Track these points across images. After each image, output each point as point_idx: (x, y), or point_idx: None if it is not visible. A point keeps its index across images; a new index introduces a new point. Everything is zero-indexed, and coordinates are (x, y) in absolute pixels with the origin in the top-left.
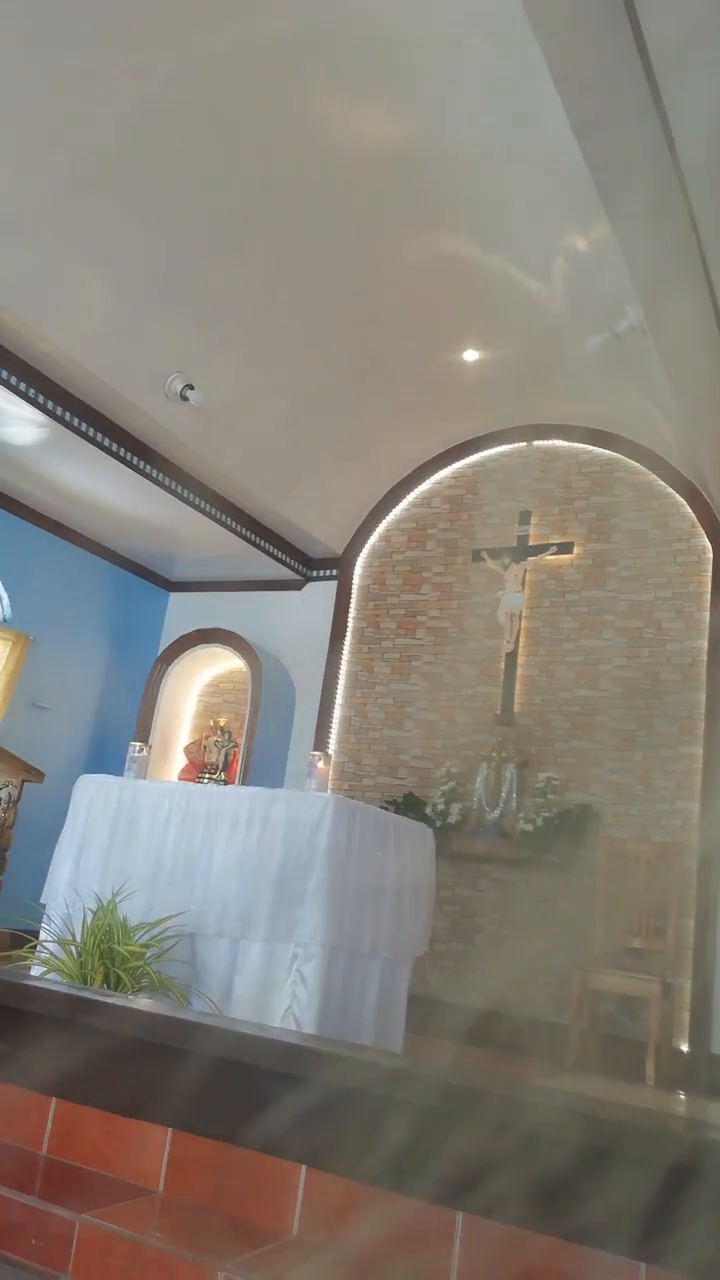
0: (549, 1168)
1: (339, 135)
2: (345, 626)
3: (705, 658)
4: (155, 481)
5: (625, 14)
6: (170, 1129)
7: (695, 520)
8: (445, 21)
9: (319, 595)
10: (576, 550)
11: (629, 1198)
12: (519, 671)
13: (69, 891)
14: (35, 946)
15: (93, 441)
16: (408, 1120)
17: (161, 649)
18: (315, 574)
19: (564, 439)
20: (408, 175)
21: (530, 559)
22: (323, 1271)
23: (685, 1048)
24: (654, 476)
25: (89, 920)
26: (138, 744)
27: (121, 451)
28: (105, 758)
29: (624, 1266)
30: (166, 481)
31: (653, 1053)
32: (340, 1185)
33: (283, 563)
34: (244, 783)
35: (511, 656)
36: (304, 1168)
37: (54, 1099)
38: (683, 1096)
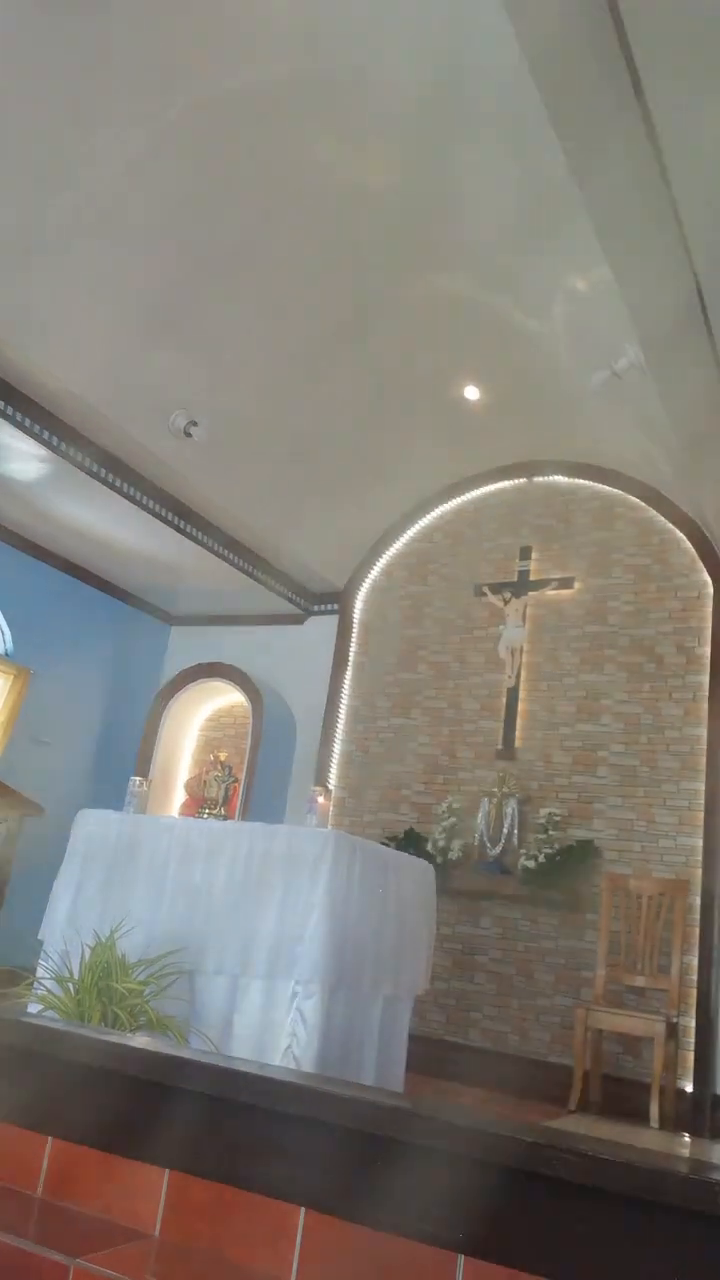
0: (551, 1210)
1: (338, 174)
2: (346, 661)
3: (707, 692)
4: (157, 516)
5: (622, 56)
6: (167, 1170)
7: (696, 555)
8: (441, 63)
9: (320, 630)
10: (577, 585)
11: (631, 1241)
12: (520, 706)
13: (67, 928)
14: (32, 983)
15: (95, 476)
16: (409, 1161)
17: (162, 683)
18: (316, 608)
19: (564, 475)
20: (407, 213)
21: (531, 594)
22: None
23: (690, 1088)
24: (654, 512)
25: (87, 957)
26: (138, 779)
27: (123, 486)
28: (105, 792)
29: None
30: (168, 515)
31: (657, 1094)
32: (340, 1228)
33: (284, 597)
34: (244, 818)
35: (513, 691)
36: (303, 1210)
37: (50, 1138)
38: (687, 1138)
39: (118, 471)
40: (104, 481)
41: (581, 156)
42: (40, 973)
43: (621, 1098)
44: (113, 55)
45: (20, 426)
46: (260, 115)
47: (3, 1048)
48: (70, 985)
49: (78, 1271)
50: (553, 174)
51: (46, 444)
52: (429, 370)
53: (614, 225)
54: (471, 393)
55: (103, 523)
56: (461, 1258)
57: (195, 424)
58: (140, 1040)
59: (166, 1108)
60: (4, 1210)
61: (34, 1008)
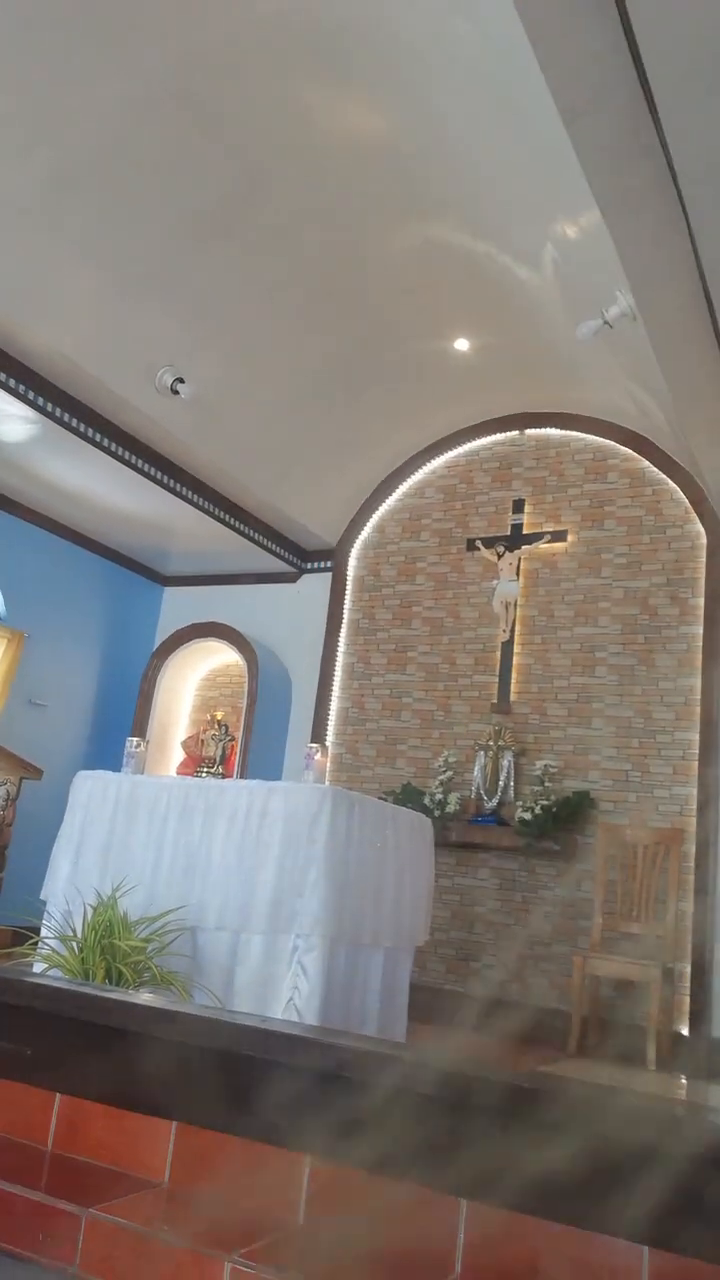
0: (553, 1153)
1: (325, 126)
2: (340, 618)
3: (700, 643)
4: (147, 476)
5: None
6: (175, 1122)
7: (689, 506)
8: (430, 9)
9: (314, 587)
10: (570, 538)
11: (633, 1182)
12: (515, 660)
13: (69, 888)
14: (36, 943)
15: (84, 437)
16: (412, 1109)
17: (157, 644)
18: (309, 566)
19: (556, 427)
20: (395, 164)
21: (525, 547)
22: (330, 1260)
23: (685, 1031)
24: (647, 463)
25: (89, 916)
26: (135, 739)
27: (113, 446)
28: (103, 754)
29: (628, 1250)
30: (159, 475)
31: (653, 1037)
32: (345, 1175)
33: (277, 555)
34: (242, 776)
35: (507, 645)
36: (309, 1158)
37: (58, 1095)
38: (683, 1080)
39: (106, 432)
40: (92, 442)
41: (569, 95)
42: (44, 932)
43: (619, 1041)
44: (90, 6)
45: (6, 387)
46: (245, 66)
47: (9, 1007)
48: (74, 944)
49: (90, 1221)
50: (543, 120)
51: (33, 405)
52: (419, 323)
53: (604, 169)
54: (462, 345)
55: (93, 484)
56: (464, 1202)
57: (182, 381)
58: (144, 996)
59: (172, 1062)
60: (16, 1164)
61: (39, 967)
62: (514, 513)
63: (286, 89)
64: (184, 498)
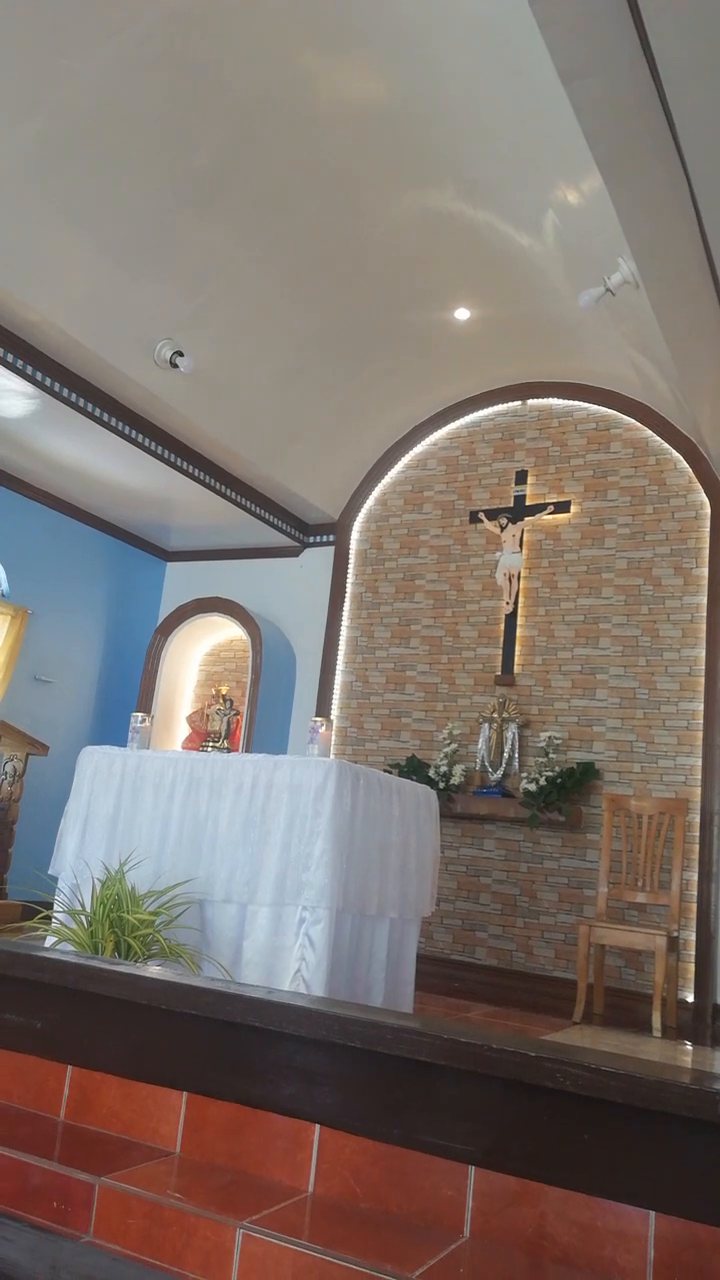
0: (558, 1121)
1: (323, 90)
2: (344, 592)
3: (705, 613)
4: (148, 451)
5: None
6: (185, 1093)
7: (692, 476)
8: None
9: (316, 561)
10: (574, 509)
11: (637, 1148)
12: (519, 632)
13: (77, 862)
14: (47, 918)
15: (83, 412)
16: (420, 1078)
17: (160, 619)
18: (312, 540)
19: (559, 397)
20: (393, 130)
21: (528, 519)
22: (340, 1226)
23: (691, 999)
24: (650, 432)
25: (98, 890)
26: (140, 715)
27: (113, 421)
28: (108, 729)
29: (634, 1214)
30: (159, 450)
31: (659, 1005)
32: (354, 1143)
33: (279, 529)
34: (247, 750)
35: (511, 617)
36: (318, 1126)
37: (70, 1066)
38: (689, 1047)
39: (105, 406)
40: (92, 416)
41: (569, 55)
42: (55, 907)
43: (625, 1009)
44: None
45: (2, 362)
46: (241, 29)
47: (20, 981)
48: (83, 918)
49: (103, 1189)
50: (543, 83)
51: (31, 379)
52: (419, 292)
53: (605, 131)
54: (463, 314)
55: (93, 459)
56: (472, 1169)
57: (181, 354)
58: (153, 969)
59: (181, 1033)
60: (29, 1134)
61: (49, 941)
62: (517, 484)
63: (284, 53)
64: (185, 472)
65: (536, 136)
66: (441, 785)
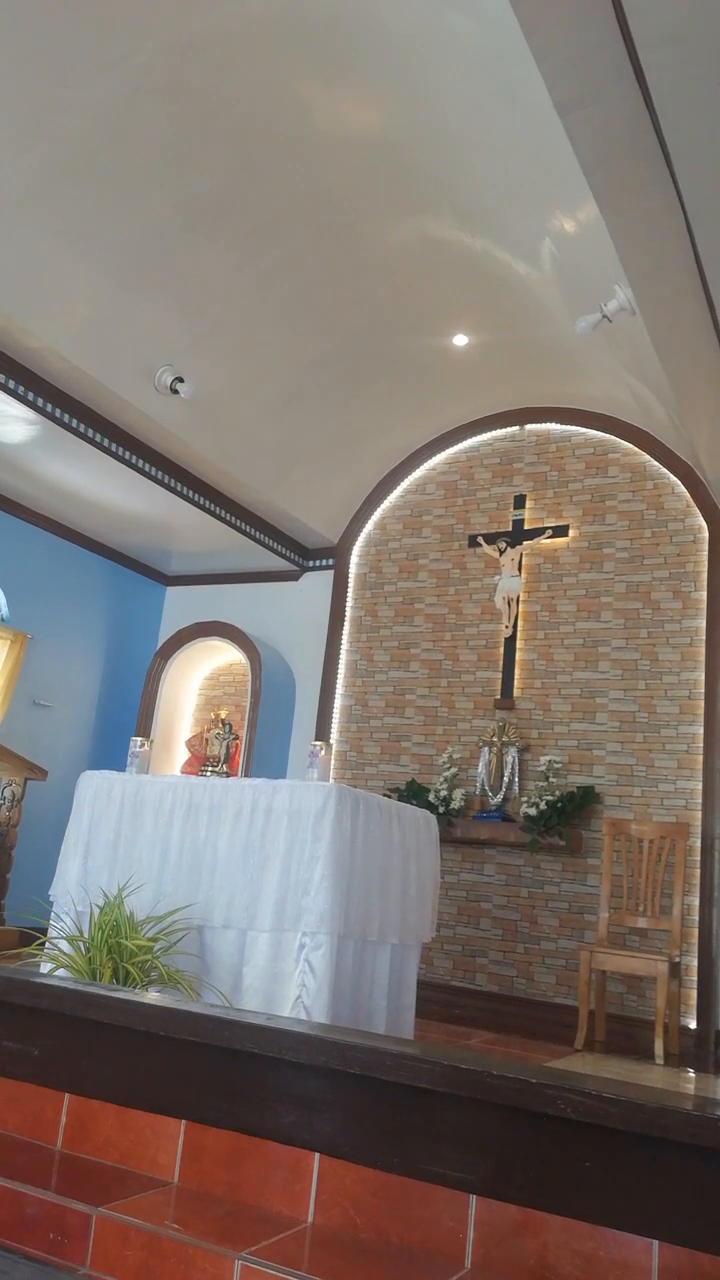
0: (560, 1148)
1: (321, 118)
2: (343, 616)
3: (704, 637)
4: (148, 475)
5: None
6: (184, 1121)
7: (690, 500)
8: (425, 1)
9: (316, 585)
10: (572, 533)
11: (640, 1176)
12: (518, 656)
13: (76, 888)
14: (44, 944)
15: (84, 437)
16: (420, 1106)
17: (160, 643)
18: (311, 564)
19: (557, 422)
20: (392, 158)
21: (526, 543)
22: (339, 1257)
23: (693, 1025)
24: (648, 457)
25: (96, 916)
26: (139, 739)
27: (113, 446)
28: (107, 753)
29: (637, 1243)
30: (159, 475)
31: (661, 1031)
32: (354, 1172)
33: (278, 554)
34: (246, 774)
35: (510, 641)
36: (318, 1155)
37: (67, 1094)
38: (691, 1074)
39: (106, 431)
40: (92, 442)
41: (565, 87)
42: (51, 933)
43: (626, 1036)
44: None
45: (5, 389)
46: (240, 57)
47: (17, 1007)
48: (81, 944)
49: (100, 1220)
50: (539, 113)
51: (32, 405)
52: (417, 318)
53: (600, 161)
54: (461, 340)
55: (93, 484)
56: (473, 1198)
57: (181, 380)
58: (151, 996)
59: (180, 1061)
60: (25, 1163)
61: (46, 967)
62: (515, 508)
63: (283, 82)
64: (185, 497)
65: (533, 165)
66: (441, 809)
